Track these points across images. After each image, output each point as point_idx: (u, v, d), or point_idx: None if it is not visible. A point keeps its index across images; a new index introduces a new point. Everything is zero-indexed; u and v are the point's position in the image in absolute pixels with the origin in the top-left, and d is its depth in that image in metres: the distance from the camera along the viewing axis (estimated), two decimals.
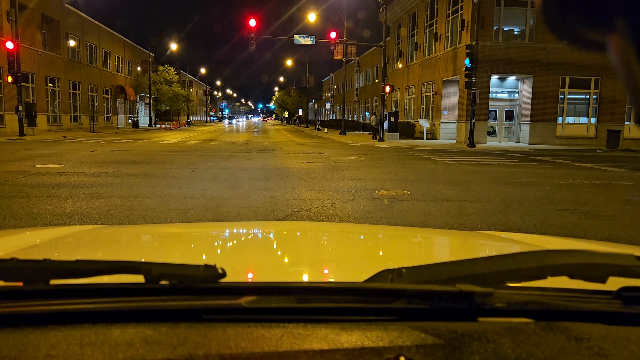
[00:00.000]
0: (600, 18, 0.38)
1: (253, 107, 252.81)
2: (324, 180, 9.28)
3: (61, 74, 32.29)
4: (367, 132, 34.53)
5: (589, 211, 6.68)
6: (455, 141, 24.45)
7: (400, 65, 34.28)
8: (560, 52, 21.67)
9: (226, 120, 65.31)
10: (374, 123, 27.50)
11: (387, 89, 26.09)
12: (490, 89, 23.57)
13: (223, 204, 6.83)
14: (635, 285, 0.74)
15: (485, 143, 22.78)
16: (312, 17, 27.65)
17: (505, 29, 23.80)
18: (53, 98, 31.54)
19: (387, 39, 30.00)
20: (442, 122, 26.84)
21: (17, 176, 9.09)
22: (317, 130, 43.80)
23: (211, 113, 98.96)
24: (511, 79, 24.71)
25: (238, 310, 0.68)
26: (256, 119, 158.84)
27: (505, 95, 25.06)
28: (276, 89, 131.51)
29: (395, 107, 34.29)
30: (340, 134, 32.06)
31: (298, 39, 26.97)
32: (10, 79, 21.96)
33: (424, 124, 26.31)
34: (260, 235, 1.79)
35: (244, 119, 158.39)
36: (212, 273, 0.72)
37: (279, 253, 1.52)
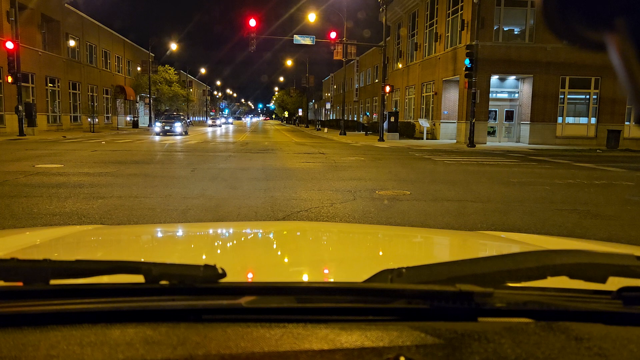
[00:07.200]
0: (600, 18, 0.38)
1: (253, 107, 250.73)
2: (324, 180, 9.28)
3: (61, 74, 32.28)
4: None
5: (589, 211, 6.68)
6: (455, 141, 24.45)
7: (400, 65, 34.26)
8: (560, 52, 21.66)
9: (157, 128, 29.95)
10: (365, 122, 33.17)
11: (387, 89, 26.10)
12: (490, 89, 23.56)
13: (223, 204, 6.83)
14: (635, 285, 0.74)
15: (485, 143, 22.77)
16: (312, 17, 27.63)
17: (505, 29, 23.79)
18: (53, 98, 31.53)
19: (387, 39, 29.98)
20: (442, 122, 26.83)
21: (17, 176, 9.08)
22: (317, 130, 43.84)
23: (211, 113, 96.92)
24: (511, 79, 24.70)
25: (238, 310, 0.68)
26: (248, 120, 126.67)
27: (505, 95, 25.05)
28: (276, 89, 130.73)
29: (395, 107, 34.29)
30: (340, 134, 32.09)
31: (298, 39, 26.96)
32: (10, 79, 21.95)
33: (424, 124, 26.31)
34: (260, 235, 1.79)
35: (230, 119, 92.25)
36: (212, 273, 0.72)
37: (279, 253, 1.51)
